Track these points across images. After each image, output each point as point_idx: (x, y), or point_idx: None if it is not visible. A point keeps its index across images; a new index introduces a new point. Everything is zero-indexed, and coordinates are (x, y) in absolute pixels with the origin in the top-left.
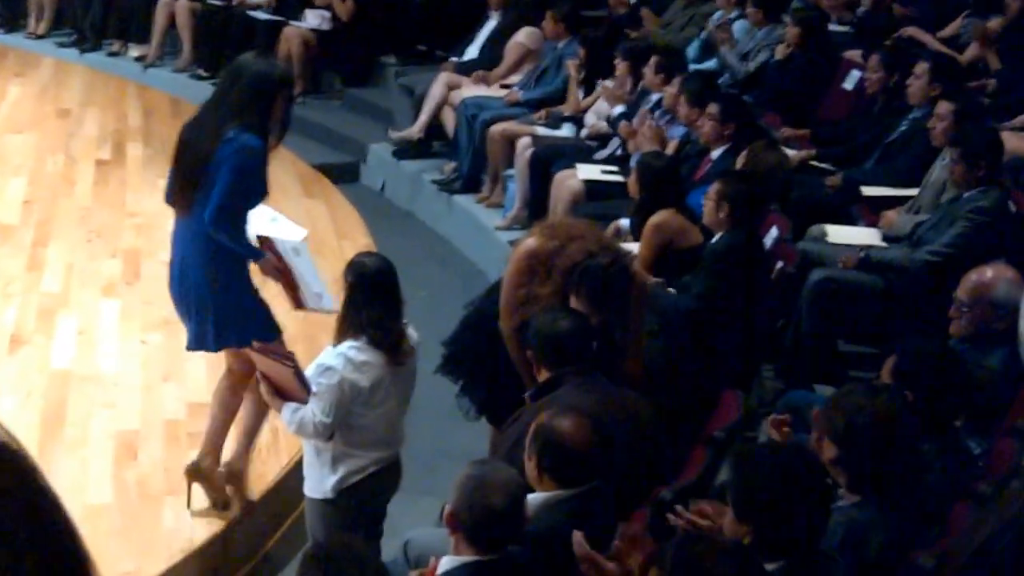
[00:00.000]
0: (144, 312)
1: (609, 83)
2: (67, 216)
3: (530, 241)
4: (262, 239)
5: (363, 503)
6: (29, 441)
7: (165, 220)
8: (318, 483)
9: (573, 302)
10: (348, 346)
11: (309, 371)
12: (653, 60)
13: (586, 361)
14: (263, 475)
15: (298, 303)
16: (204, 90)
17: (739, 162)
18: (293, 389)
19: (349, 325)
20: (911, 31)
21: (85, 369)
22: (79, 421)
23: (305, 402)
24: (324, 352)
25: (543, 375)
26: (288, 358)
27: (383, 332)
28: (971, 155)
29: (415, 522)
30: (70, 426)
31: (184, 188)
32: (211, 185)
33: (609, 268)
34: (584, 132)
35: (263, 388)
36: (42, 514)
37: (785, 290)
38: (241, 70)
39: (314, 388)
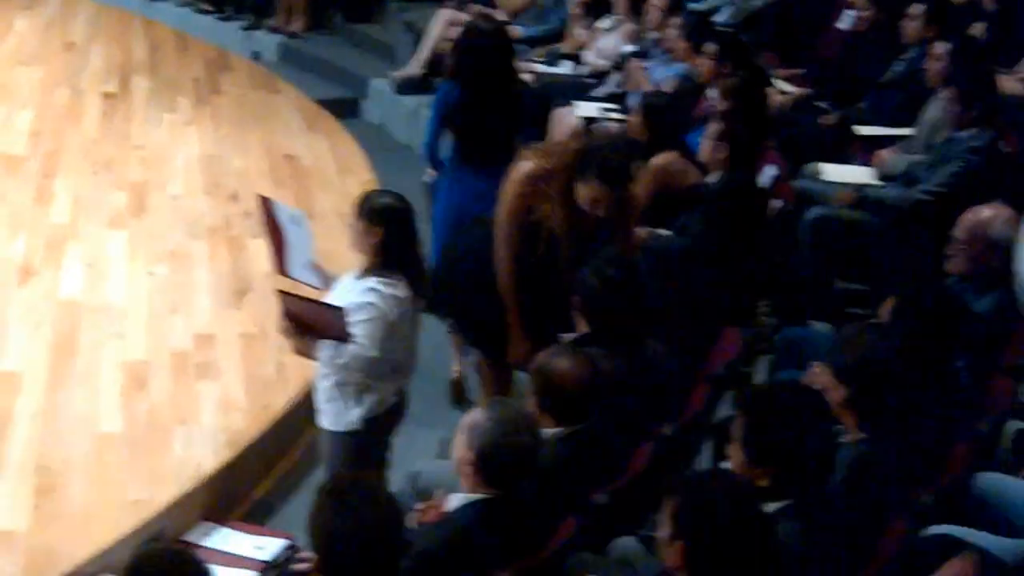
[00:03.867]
0: (151, 244)
1: (609, 22)
2: (74, 148)
3: (525, 164)
4: (262, 198)
5: (381, 434)
6: (40, 371)
7: (171, 153)
8: (340, 416)
9: (584, 189)
10: (378, 281)
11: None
12: None
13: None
14: (269, 406)
15: (281, 267)
16: (208, 24)
17: (719, 100)
18: (331, 326)
19: (377, 261)
20: None
21: (94, 300)
22: (88, 352)
23: (346, 337)
24: (346, 289)
25: (582, 326)
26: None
27: (410, 267)
28: (966, 95)
29: (418, 453)
30: (80, 356)
31: None
32: None
33: (612, 143)
34: (583, 70)
35: (287, 330)
36: None
37: (782, 228)
38: None
39: (353, 326)
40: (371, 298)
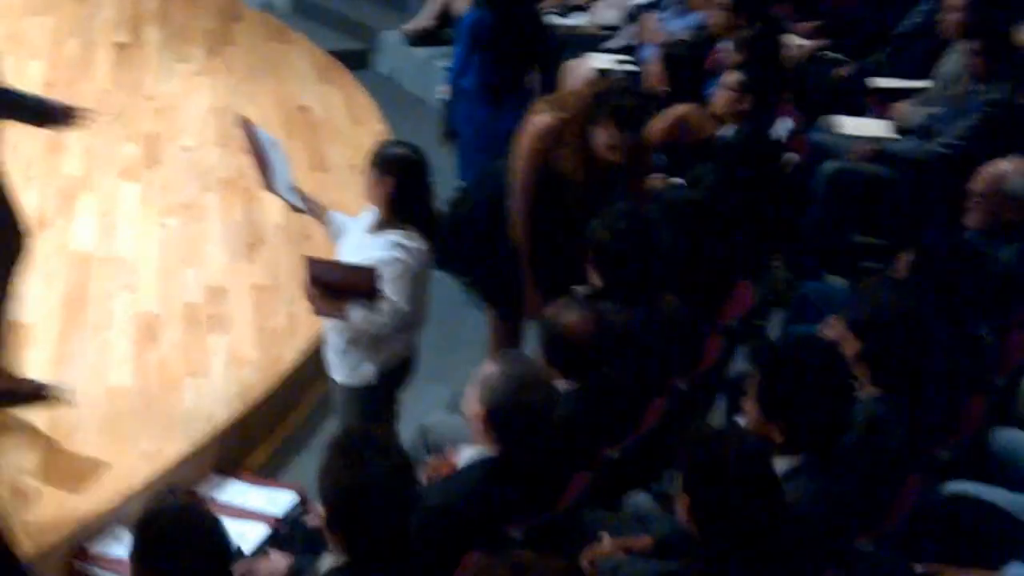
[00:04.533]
0: (163, 196)
1: None
2: (86, 99)
3: (541, 118)
4: (244, 119)
5: (393, 388)
6: (52, 323)
7: (184, 103)
8: (354, 370)
9: (600, 135)
10: (400, 235)
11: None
12: None
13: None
14: (280, 358)
15: (267, 184)
16: None
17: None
18: (364, 286)
19: (395, 215)
20: None
21: (105, 252)
22: (100, 303)
23: (376, 295)
24: (364, 244)
25: (595, 280)
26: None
27: (422, 219)
28: (986, 49)
29: (428, 408)
30: (91, 308)
31: None
32: None
33: (626, 88)
34: (596, 19)
35: (313, 294)
36: None
37: (797, 181)
38: None
39: (384, 283)
40: (398, 253)
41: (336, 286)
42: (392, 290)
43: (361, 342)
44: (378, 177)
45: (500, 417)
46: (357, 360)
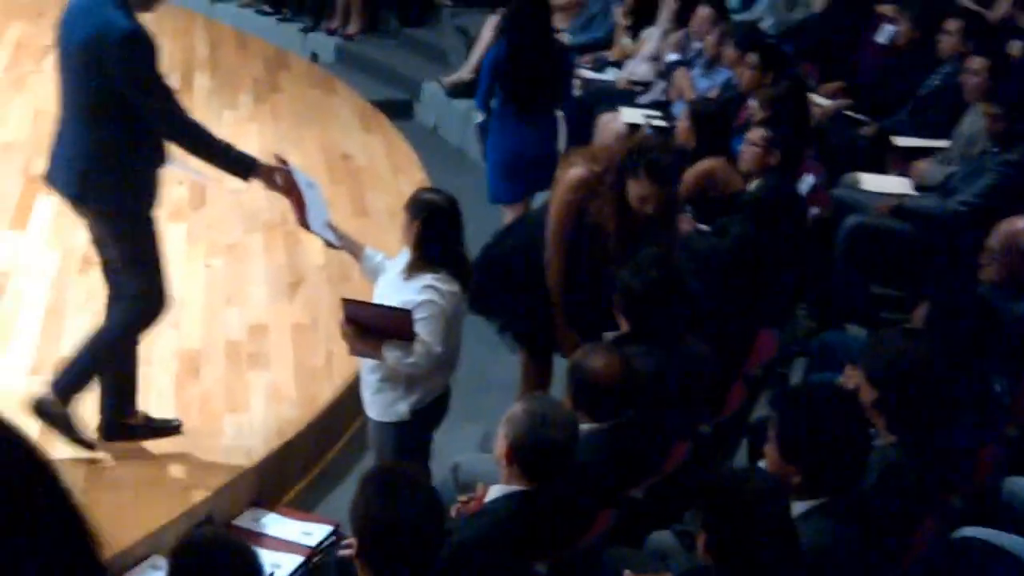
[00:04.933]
0: (208, 237)
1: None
2: None
3: (575, 171)
4: (280, 159)
5: (426, 426)
6: None
7: None
8: (389, 407)
9: (634, 187)
10: (433, 278)
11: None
12: (703, 8)
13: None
14: (318, 396)
15: (303, 221)
16: (267, 25)
17: (758, 108)
18: (398, 328)
19: (427, 259)
20: None
21: None
22: (145, 339)
23: (413, 336)
24: (398, 288)
25: (623, 325)
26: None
27: (459, 263)
28: (1007, 112)
29: (460, 447)
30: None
31: None
32: None
33: (662, 143)
34: (626, 75)
35: (349, 334)
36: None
37: (819, 235)
38: None
39: (416, 325)
40: (430, 295)
41: (372, 327)
42: (425, 332)
43: (395, 381)
44: (409, 220)
45: (522, 452)
46: (391, 398)
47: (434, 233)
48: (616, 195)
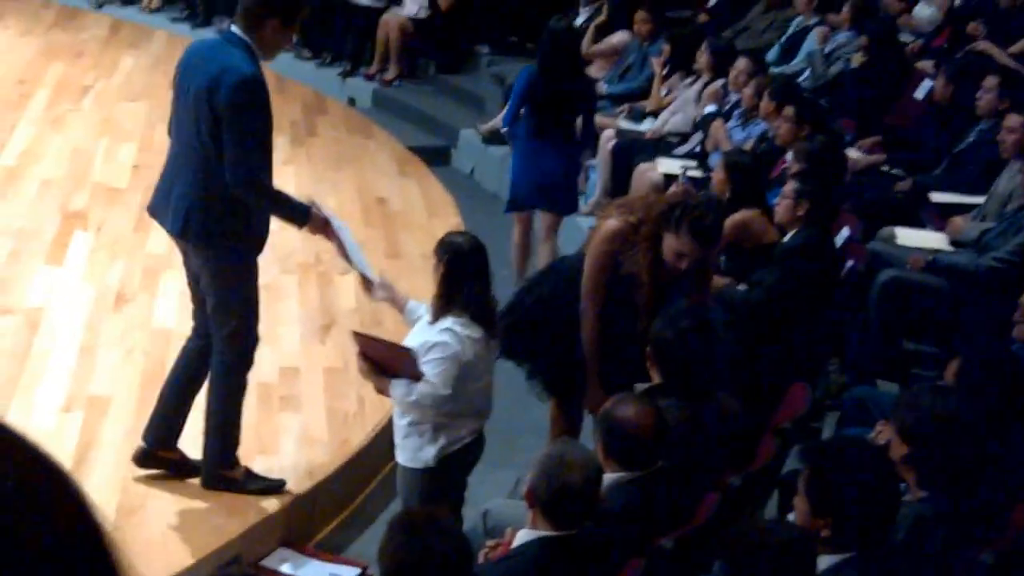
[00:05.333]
0: None
1: (692, 82)
2: None
3: (611, 223)
4: (313, 202)
5: (455, 472)
6: (130, 396)
7: None
8: (415, 452)
9: (672, 241)
10: (453, 322)
11: (412, 345)
12: (741, 61)
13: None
14: (349, 440)
15: (346, 257)
16: (306, 69)
17: (794, 162)
18: (404, 366)
19: (449, 302)
20: (982, 45)
21: (185, 329)
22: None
23: (419, 377)
24: (423, 330)
25: (655, 377)
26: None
27: (482, 307)
28: None
29: (492, 493)
30: None
31: None
32: None
33: (707, 202)
34: (661, 126)
35: (363, 368)
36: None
37: (854, 288)
38: None
39: (425, 364)
40: (445, 337)
41: (382, 363)
42: (432, 373)
43: (422, 426)
44: (436, 262)
45: (541, 494)
46: (418, 443)
47: (457, 275)
48: (651, 247)
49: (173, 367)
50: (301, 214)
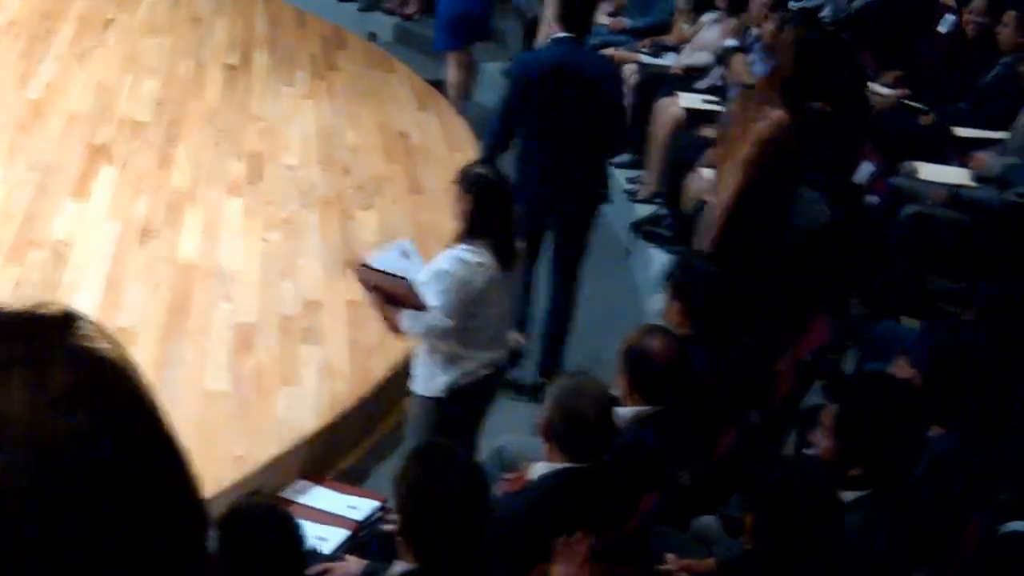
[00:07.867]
0: (265, 211)
1: (713, 16)
2: (196, 117)
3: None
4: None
5: (469, 406)
6: (155, 328)
7: (288, 125)
8: (429, 380)
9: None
10: (462, 248)
11: (422, 276)
12: None
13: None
14: (370, 372)
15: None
16: (327, 5)
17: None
18: (409, 296)
19: (468, 230)
20: None
21: (209, 263)
22: (201, 312)
23: (422, 307)
24: (437, 256)
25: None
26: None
27: (499, 237)
28: None
29: (509, 428)
30: (193, 316)
31: None
32: None
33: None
34: (683, 61)
35: (373, 302)
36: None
37: (876, 223)
38: None
39: (431, 293)
40: (449, 265)
41: (390, 294)
42: (437, 302)
43: (436, 355)
44: (460, 194)
45: (554, 426)
46: (431, 372)
47: (486, 210)
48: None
49: None
50: None
